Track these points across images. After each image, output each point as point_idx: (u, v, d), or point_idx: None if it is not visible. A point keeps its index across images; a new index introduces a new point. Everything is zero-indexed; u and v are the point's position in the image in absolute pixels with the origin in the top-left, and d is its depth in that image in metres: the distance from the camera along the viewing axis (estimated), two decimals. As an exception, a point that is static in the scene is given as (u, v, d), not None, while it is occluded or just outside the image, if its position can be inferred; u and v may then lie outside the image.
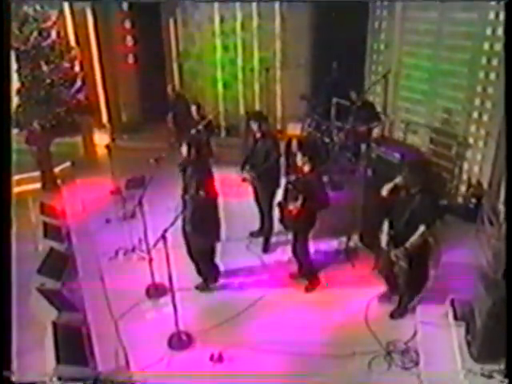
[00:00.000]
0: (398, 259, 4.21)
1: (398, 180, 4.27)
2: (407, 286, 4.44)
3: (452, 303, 4.42)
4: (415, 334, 4.35)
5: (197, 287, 5.13)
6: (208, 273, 5.15)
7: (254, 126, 5.52)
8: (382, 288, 4.85)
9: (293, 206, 4.64)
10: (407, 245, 4.08)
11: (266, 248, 5.78)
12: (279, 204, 5.01)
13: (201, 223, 4.76)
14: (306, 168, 4.71)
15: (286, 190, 4.90)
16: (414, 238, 4.07)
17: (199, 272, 5.14)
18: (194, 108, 6.92)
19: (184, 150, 4.81)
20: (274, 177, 5.61)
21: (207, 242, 4.97)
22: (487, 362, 3.78)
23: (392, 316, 4.60)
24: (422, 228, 4.04)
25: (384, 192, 4.37)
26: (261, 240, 5.83)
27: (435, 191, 4.30)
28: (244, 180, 5.66)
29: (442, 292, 4.72)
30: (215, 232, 4.98)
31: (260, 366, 4.07)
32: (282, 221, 5.03)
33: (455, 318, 4.31)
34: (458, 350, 4.02)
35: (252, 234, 6.01)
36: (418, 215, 4.06)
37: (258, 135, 5.54)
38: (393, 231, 4.22)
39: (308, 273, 5.15)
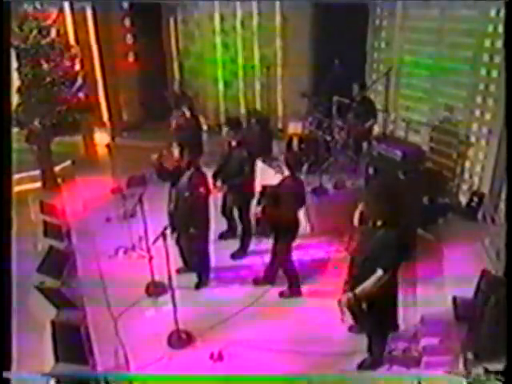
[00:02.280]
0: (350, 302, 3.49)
1: (360, 206, 3.75)
2: (371, 330, 3.90)
3: (454, 302, 4.39)
4: (416, 332, 4.32)
5: (178, 270, 5.10)
6: (199, 269, 5.16)
7: (230, 133, 5.40)
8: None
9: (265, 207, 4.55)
10: (357, 290, 3.43)
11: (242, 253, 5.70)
12: (255, 214, 4.89)
13: (191, 222, 4.72)
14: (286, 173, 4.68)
15: (261, 197, 4.78)
16: (367, 284, 3.40)
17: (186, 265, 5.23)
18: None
19: (176, 151, 4.71)
20: (247, 189, 5.45)
21: (197, 240, 4.94)
22: (490, 362, 3.74)
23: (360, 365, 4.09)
24: (379, 272, 3.36)
25: (355, 221, 3.84)
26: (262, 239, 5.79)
27: (402, 227, 3.42)
28: (215, 186, 5.43)
29: (444, 290, 4.70)
30: (205, 230, 4.95)
31: (260, 365, 4.04)
32: (258, 224, 4.93)
33: (457, 316, 4.28)
34: (460, 349, 3.99)
35: (221, 236, 5.91)
36: (376, 254, 3.40)
37: (234, 143, 5.40)
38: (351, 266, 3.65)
39: (292, 279, 4.98)
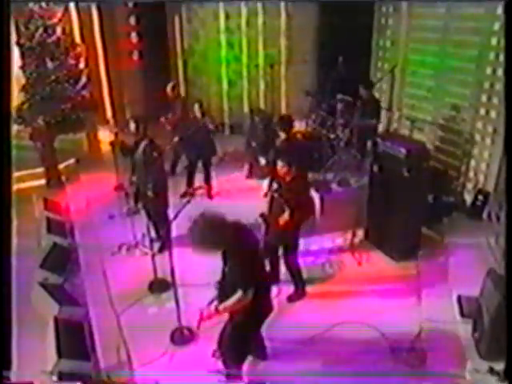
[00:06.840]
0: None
1: None
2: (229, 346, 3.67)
3: (459, 300, 4.36)
4: (421, 331, 4.28)
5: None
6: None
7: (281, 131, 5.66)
8: (387, 284, 4.80)
9: (282, 220, 4.39)
10: (220, 306, 3.35)
11: None
12: (262, 215, 4.66)
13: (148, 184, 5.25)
14: (288, 177, 4.42)
15: (272, 200, 4.60)
16: (229, 302, 3.28)
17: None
18: (196, 106, 6.84)
19: (132, 126, 5.36)
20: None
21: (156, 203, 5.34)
22: (495, 360, 3.71)
23: None
24: (239, 293, 3.21)
25: None
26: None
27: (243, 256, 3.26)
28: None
29: (449, 289, 4.68)
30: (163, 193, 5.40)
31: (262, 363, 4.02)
32: (266, 234, 4.64)
33: (462, 315, 4.24)
34: (465, 348, 3.96)
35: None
36: (230, 274, 3.34)
37: (283, 136, 5.62)
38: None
39: (297, 283, 4.87)
